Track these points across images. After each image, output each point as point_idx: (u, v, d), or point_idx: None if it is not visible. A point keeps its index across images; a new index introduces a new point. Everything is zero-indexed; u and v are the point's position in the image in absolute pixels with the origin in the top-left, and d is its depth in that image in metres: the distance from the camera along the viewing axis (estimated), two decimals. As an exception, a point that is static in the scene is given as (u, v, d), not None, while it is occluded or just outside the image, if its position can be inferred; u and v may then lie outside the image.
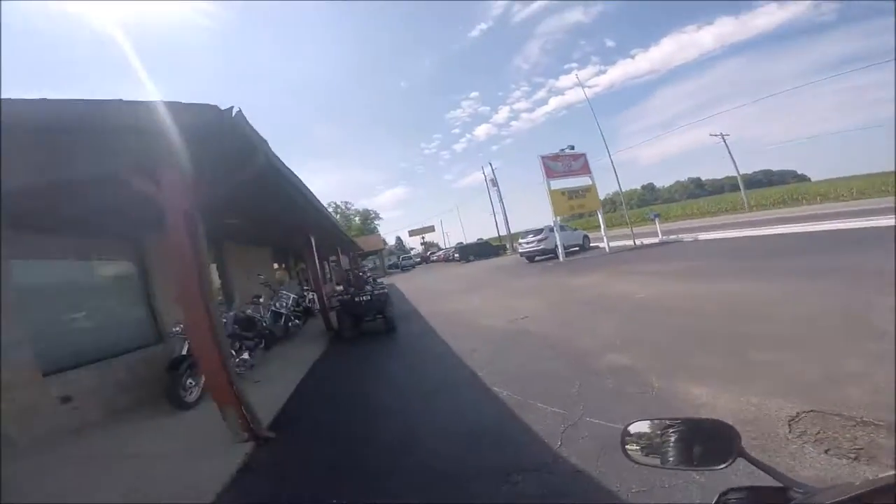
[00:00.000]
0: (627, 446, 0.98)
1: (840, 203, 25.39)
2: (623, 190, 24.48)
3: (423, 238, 77.44)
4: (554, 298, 9.63)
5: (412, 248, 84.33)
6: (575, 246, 21.70)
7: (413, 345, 7.62)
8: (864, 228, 11.65)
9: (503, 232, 42.98)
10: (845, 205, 22.96)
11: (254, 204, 6.21)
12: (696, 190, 69.03)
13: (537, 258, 21.15)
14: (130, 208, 4.66)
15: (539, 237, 21.04)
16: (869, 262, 7.22)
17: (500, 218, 47.84)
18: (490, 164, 44.31)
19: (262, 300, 9.33)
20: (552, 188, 19.25)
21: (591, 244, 22.31)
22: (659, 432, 0.96)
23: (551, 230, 19.91)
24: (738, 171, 41.89)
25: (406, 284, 21.67)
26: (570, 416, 3.51)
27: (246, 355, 6.84)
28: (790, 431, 2.69)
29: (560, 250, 18.72)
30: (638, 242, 18.90)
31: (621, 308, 7.32)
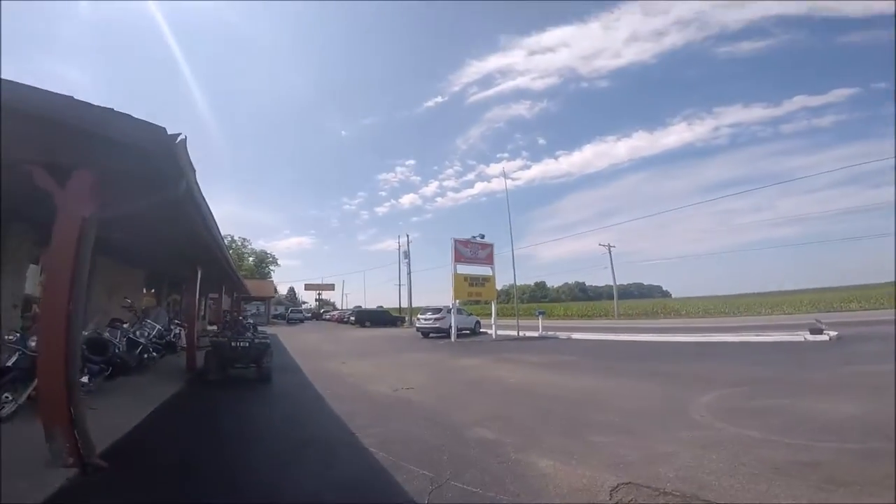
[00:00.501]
0: None
1: (690, 318, 30.32)
2: (518, 284, 26.98)
3: (319, 294, 74.04)
4: (439, 375, 10.03)
5: (305, 303, 80.00)
6: (467, 329, 22.76)
7: (287, 398, 7.35)
8: (701, 342, 14.30)
9: (405, 304, 43.23)
10: (692, 321, 27.48)
11: (149, 224, 5.90)
12: (580, 293, 76.70)
13: (431, 335, 21.68)
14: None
15: (437, 315, 21.80)
16: (694, 369, 8.89)
17: (405, 290, 48.17)
18: (407, 236, 45.41)
19: (124, 325, 8.39)
20: (457, 272, 20.33)
21: (482, 330, 23.50)
22: None
23: (448, 311, 20.77)
24: (614, 282, 47.70)
25: (290, 339, 20.49)
26: (437, 478, 3.74)
27: (85, 379, 6.07)
28: (610, 499, 3.23)
29: (453, 331, 19.49)
30: (521, 334, 20.46)
31: (495, 389, 7.93)
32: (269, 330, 17.98)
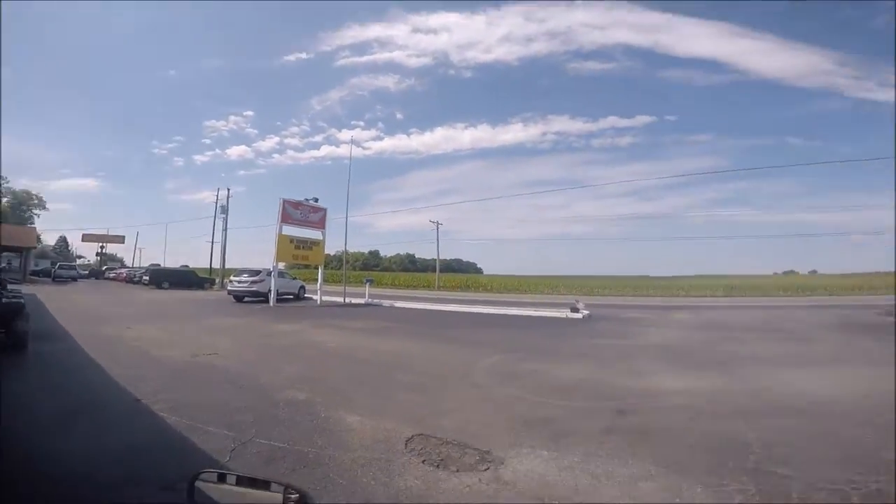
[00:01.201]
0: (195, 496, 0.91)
1: (494, 293, 35.12)
2: (353, 250, 27.07)
3: (102, 248, 60.27)
4: (251, 340, 9.67)
5: (81, 257, 64.74)
6: (290, 294, 21.87)
7: (50, 366, 6.30)
8: (494, 314, 16.82)
9: (218, 265, 38.63)
10: (494, 295, 31.86)
11: None
12: (409, 264, 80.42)
13: (247, 299, 20.14)
14: None
15: (254, 278, 20.28)
16: (485, 336, 10.58)
17: (219, 249, 42.52)
18: (228, 189, 39.85)
19: None
20: (283, 233, 19.29)
21: (307, 295, 22.95)
22: (228, 487, 0.93)
23: (268, 274, 19.60)
24: (438, 256, 52.19)
25: (57, 300, 16.27)
26: (241, 437, 3.77)
27: None
28: (405, 448, 3.78)
29: (273, 295, 18.53)
30: (348, 301, 20.77)
31: (311, 354, 8.12)
32: (26, 290, 14.20)
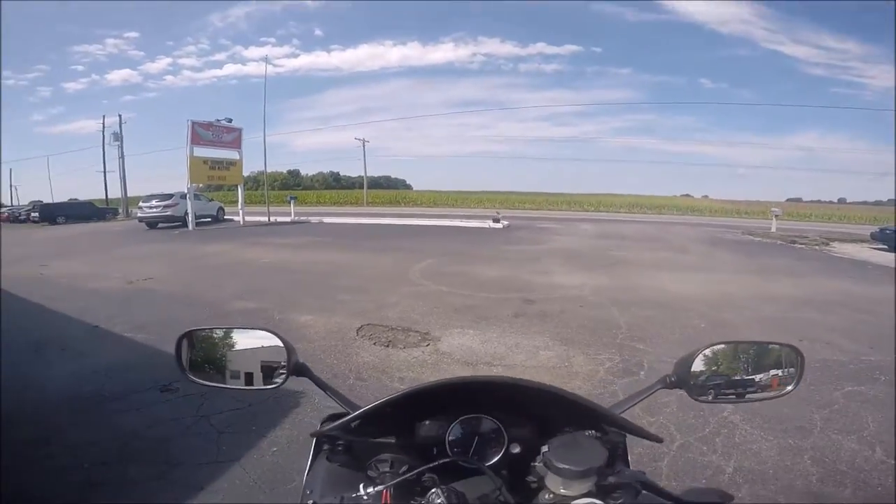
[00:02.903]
0: (182, 355, 0.89)
1: (424, 208, 36.14)
2: (270, 171, 25.66)
3: (-36, 188, 50.61)
4: (182, 263, 9.59)
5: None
6: (208, 216, 20.88)
7: None
8: (425, 225, 17.87)
9: (115, 195, 34.59)
10: (427, 209, 32.90)
11: None
12: (334, 182, 77.32)
13: (161, 225, 18.95)
14: None
15: (167, 202, 18.90)
16: (416, 244, 11.47)
17: (114, 178, 37.37)
18: (119, 116, 34.35)
19: None
20: (194, 155, 18.31)
21: (227, 217, 22.03)
22: (213, 342, 0.91)
23: (182, 197, 18.43)
24: (365, 173, 50.90)
25: None
26: None
27: None
28: (357, 335, 4.56)
29: (191, 218, 17.66)
30: (273, 219, 20.45)
31: (249, 270, 8.48)
32: None
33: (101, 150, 35.04)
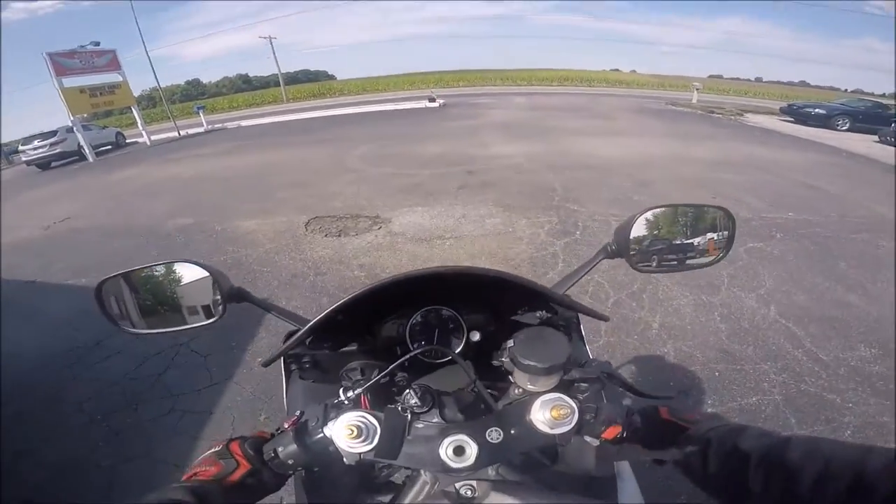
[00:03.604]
0: (106, 304, 0.78)
1: (351, 96, 33.91)
2: (166, 85, 22.30)
3: None
4: (97, 195, 8.64)
5: None
6: (107, 144, 18.50)
7: None
8: (355, 113, 16.92)
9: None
10: (357, 97, 31.20)
11: None
12: (244, 85, 69.17)
13: (55, 164, 16.61)
14: None
15: (53, 140, 16.36)
16: (350, 133, 11.00)
17: None
18: None
19: None
20: (66, 87, 15.99)
21: (129, 141, 19.54)
22: (138, 285, 0.81)
23: (69, 131, 16.04)
24: (279, 70, 46.26)
25: None
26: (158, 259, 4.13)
27: None
28: (306, 231, 4.48)
29: (88, 150, 15.57)
30: (183, 133, 18.50)
31: (174, 185, 7.87)
32: None
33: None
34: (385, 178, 6.22)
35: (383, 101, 22.61)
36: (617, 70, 63.12)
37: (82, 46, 17.24)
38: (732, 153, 7.78)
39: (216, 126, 19.37)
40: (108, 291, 0.78)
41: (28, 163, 17.07)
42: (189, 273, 0.78)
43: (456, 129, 10.54)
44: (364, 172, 6.65)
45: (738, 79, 55.34)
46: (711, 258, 0.87)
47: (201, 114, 19.91)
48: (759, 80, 60.51)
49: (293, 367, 0.77)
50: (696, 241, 0.86)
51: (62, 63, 16.14)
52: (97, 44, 17.78)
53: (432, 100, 17.44)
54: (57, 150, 16.43)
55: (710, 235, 0.87)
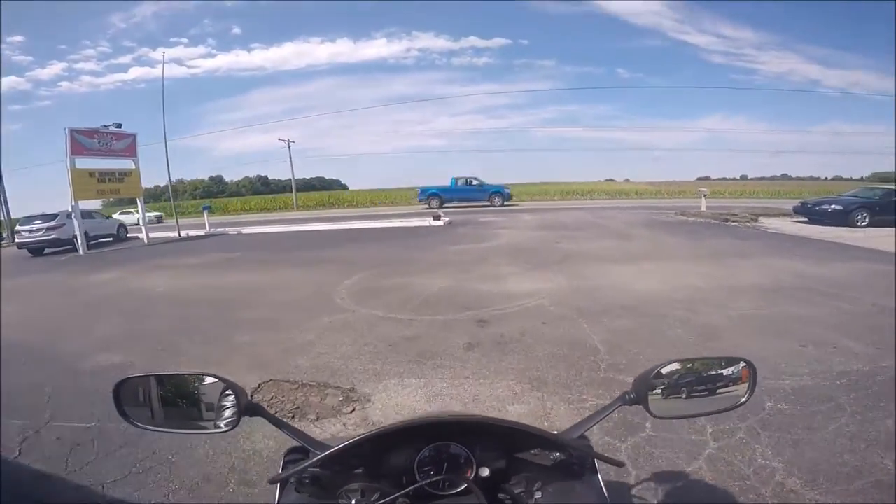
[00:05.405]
0: (123, 403, 0.85)
1: (360, 208, 34.44)
2: (191, 178, 22.95)
3: None
4: (52, 300, 7.77)
5: None
6: (107, 236, 18.15)
7: None
8: (357, 228, 16.30)
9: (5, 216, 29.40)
10: (364, 210, 31.39)
11: None
12: (262, 187, 72.90)
13: (48, 250, 15.99)
14: None
15: (51, 224, 15.92)
16: (345, 254, 10.10)
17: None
18: None
19: None
20: (77, 167, 15.48)
21: (131, 235, 19.24)
22: (157, 389, 0.87)
23: (69, 216, 15.62)
24: (293, 175, 48.39)
25: None
26: (33, 424, 3.06)
27: None
28: (250, 399, 3.28)
29: (80, 241, 14.95)
30: (184, 234, 18.07)
31: (135, 304, 6.79)
32: None
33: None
34: (373, 323, 5.01)
35: (389, 215, 22.45)
36: (611, 180, 65.08)
37: (105, 126, 17.15)
38: (780, 274, 6.77)
39: (217, 230, 19.15)
40: (127, 389, 0.86)
41: (20, 245, 16.47)
42: (210, 383, 0.85)
43: (462, 254, 9.60)
44: (349, 314, 5.43)
45: (724, 178, 57.86)
46: (728, 405, 0.89)
47: (206, 215, 19.93)
48: (744, 177, 63.09)
49: (291, 479, 0.77)
50: (714, 389, 0.88)
51: (80, 141, 15.89)
52: (119, 125, 17.64)
53: (437, 217, 17.01)
54: (52, 236, 15.87)
55: (730, 387, 0.89)
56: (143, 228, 17.16)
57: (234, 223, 23.51)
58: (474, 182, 26.94)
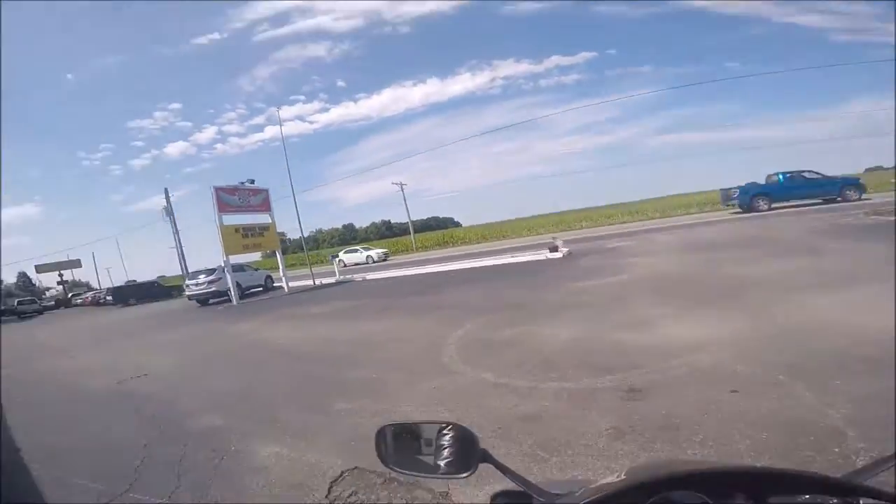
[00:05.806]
0: (381, 448, 0.94)
1: (473, 245, 34.37)
2: (328, 228, 25.56)
3: (60, 275, 56.69)
4: (197, 350, 8.49)
5: (49, 289, 61.11)
6: (257, 286, 20.61)
7: None
8: (472, 268, 15.39)
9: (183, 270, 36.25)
10: (476, 246, 31.05)
11: None
12: (387, 231, 78.94)
13: (212, 301, 18.61)
14: None
15: (211, 277, 18.64)
16: (458, 298, 9.35)
17: (177, 253, 39.63)
18: (166, 189, 36.54)
19: None
20: (224, 224, 17.61)
21: (277, 284, 21.53)
22: (406, 436, 0.94)
23: (225, 270, 18.02)
24: (409, 217, 51.53)
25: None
26: (109, 490, 2.70)
27: None
28: (328, 496, 2.62)
29: (233, 292, 17.02)
30: (318, 282, 19.40)
31: (255, 357, 7.00)
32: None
33: (172, 225, 36.76)
34: (482, 391, 3.95)
35: (500, 251, 21.17)
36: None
37: (242, 183, 18.98)
38: None
39: (346, 277, 20.39)
40: (383, 435, 0.94)
41: (190, 297, 19.45)
42: (450, 431, 0.87)
43: (592, 291, 7.73)
44: (456, 376, 4.45)
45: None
46: None
47: (335, 263, 21.45)
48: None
49: None
50: None
51: (224, 199, 17.61)
52: (252, 181, 19.25)
53: (554, 249, 14.91)
54: (212, 289, 18.38)
55: None
56: (283, 278, 18.93)
57: (360, 269, 24.99)
58: (807, 175, 20.46)
